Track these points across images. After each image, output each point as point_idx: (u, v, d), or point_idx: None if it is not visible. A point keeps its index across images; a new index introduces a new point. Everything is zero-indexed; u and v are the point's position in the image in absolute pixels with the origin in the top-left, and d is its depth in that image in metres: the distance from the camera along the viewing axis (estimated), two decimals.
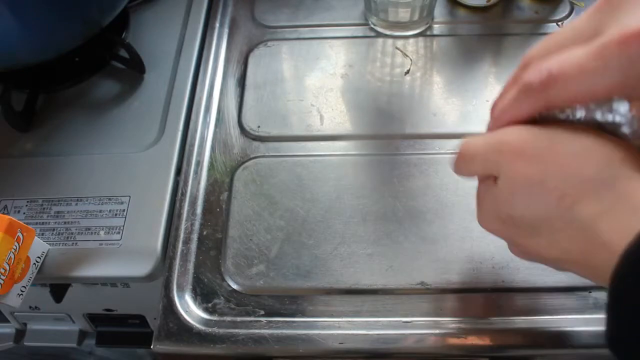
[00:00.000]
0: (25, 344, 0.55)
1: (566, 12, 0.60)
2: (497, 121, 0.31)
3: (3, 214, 0.43)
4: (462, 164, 0.33)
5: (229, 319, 0.43)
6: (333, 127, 0.53)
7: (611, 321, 0.24)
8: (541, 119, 0.30)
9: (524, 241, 0.30)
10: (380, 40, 0.60)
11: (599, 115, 0.28)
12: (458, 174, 0.34)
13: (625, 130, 0.27)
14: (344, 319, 0.42)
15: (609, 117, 0.27)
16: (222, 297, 0.44)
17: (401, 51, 0.59)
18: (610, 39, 0.25)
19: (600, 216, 0.25)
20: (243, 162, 0.51)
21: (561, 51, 0.27)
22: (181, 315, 0.43)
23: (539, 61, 0.28)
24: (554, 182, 0.26)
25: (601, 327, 0.40)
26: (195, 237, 0.47)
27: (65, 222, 0.48)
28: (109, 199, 0.49)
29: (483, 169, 0.32)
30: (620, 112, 0.27)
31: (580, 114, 0.28)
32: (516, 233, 0.31)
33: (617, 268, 0.23)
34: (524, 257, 0.34)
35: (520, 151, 0.28)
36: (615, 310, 0.24)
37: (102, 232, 0.47)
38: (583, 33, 0.27)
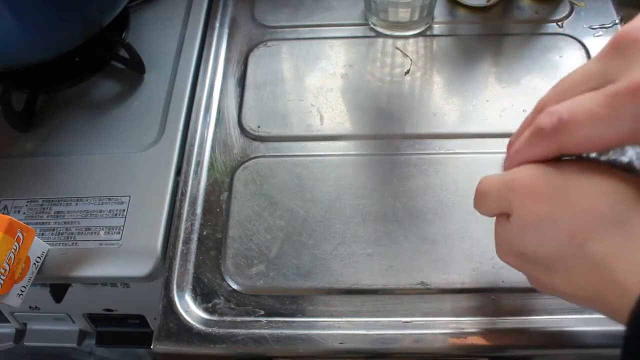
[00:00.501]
0: (25, 344, 0.55)
1: (566, 12, 0.60)
2: (512, 160, 0.32)
3: (3, 214, 0.43)
4: (479, 201, 0.35)
5: (229, 319, 0.43)
6: (333, 127, 0.53)
7: None
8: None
9: (539, 275, 0.31)
10: (380, 40, 0.60)
11: (610, 155, 0.28)
12: (477, 211, 0.36)
13: (638, 166, 0.28)
14: (344, 319, 0.42)
15: (621, 158, 0.28)
16: (222, 297, 0.44)
17: (401, 51, 0.59)
18: (621, 88, 0.25)
19: (612, 254, 0.25)
20: (243, 162, 0.51)
21: (573, 96, 0.28)
22: (181, 315, 0.43)
23: (552, 105, 0.28)
24: (565, 219, 0.27)
25: (601, 327, 0.40)
26: (195, 237, 0.47)
27: (65, 222, 0.48)
28: (109, 199, 0.49)
29: (497, 206, 0.32)
30: (631, 154, 0.28)
31: (593, 153, 0.29)
32: (530, 268, 0.31)
33: (634, 312, 0.24)
34: (542, 290, 0.34)
35: (532, 189, 0.29)
36: (630, 354, 0.24)
37: (102, 232, 0.47)
38: (593, 78, 0.27)
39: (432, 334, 0.41)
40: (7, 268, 0.41)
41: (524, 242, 0.30)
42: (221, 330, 0.42)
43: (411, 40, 0.59)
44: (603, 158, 0.29)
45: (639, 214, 0.25)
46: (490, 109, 0.53)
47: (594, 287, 0.27)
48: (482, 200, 0.34)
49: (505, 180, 0.31)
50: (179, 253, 0.46)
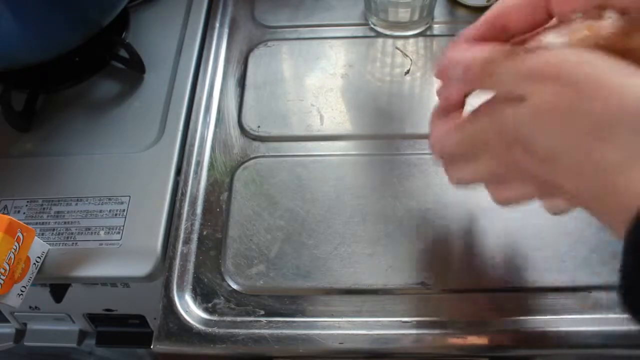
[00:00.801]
0: (25, 344, 0.55)
1: None
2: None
3: (3, 214, 0.43)
4: (477, 78, 0.30)
5: (229, 319, 0.43)
6: (333, 127, 0.53)
7: (625, 273, 0.24)
8: None
9: (534, 167, 0.29)
10: (380, 40, 0.60)
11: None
12: (440, 77, 0.33)
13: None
14: (344, 319, 0.42)
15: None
16: (222, 297, 0.44)
17: (401, 51, 0.59)
18: None
19: (626, 161, 0.24)
20: (243, 162, 0.51)
21: None
22: (181, 315, 0.43)
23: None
24: (593, 112, 0.25)
25: (601, 327, 0.40)
26: (195, 237, 0.47)
27: (65, 222, 0.48)
28: (109, 199, 0.49)
29: (506, 89, 0.29)
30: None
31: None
32: (525, 159, 0.29)
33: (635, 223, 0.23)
34: (503, 201, 0.33)
35: (557, 75, 0.26)
36: (630, 262, 0.24)
37: (102, 232, 0.47)
38: None
39: (432, 334, 0.41)
40: (7, 268, 0.41)
41: (538, 131, 0.27)
42: (221, 330, 0.42)
43: (411, 40, 0.59)
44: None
45: None
46: None
47: (594, 186, 0.26)
48: (485, 78, 0.29)
49: (526, 64, 0.27)
50: (179, 253, 0.46)
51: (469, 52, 0.30)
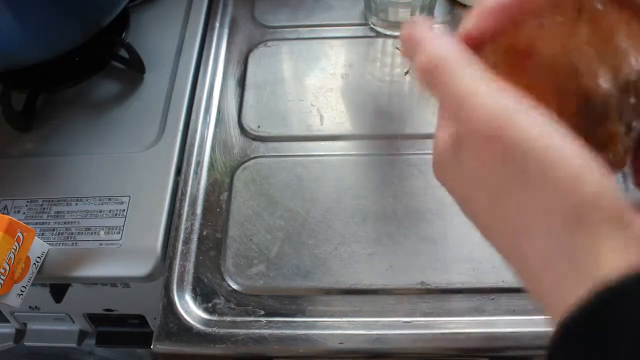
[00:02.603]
0: (25, 344, 0.55)
1: None
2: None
3: (3, 214, 0.43)
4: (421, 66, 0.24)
5: (229, 319, 0.43)
6: (333, 127, 0.53)
7: None
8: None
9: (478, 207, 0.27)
10: (380, 40, 0.60)
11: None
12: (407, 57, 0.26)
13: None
14: (344, 319, 0.42)
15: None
16: (222, 297, 0.44)
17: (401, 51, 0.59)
18: None
19: (545, 263, 0.21)
20: (243, 162, 0.51)
21: None
22: (181, 315, 0.43)
23: None
24: (516, 203, 0.22)
25: None
26: (195, 237, 0.47)
27: (65, 222, 0.48)
28: (109, 199, 0.49)
29: (446, 110, 0.25)
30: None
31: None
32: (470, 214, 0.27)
33: (555, 339, 0.20)
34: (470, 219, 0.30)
35: (487, 139, 0.21)
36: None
37: (102, 232, 0.47)
38: None
39: (432, 334, 0.41)
40: (7, 268, 0.41)
41: (466, 189, 0.25)
42: (221, 330, 0.42)
43: None
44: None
45: (594, 222, 0.19)
46: None
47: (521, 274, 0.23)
48: (429, 76, 0.24)
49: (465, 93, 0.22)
50: (179, 253, 0.46)
51: (432, 35, 0.24)
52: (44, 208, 0.49)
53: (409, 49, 0.25)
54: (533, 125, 0.20)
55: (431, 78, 0.23)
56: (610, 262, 0.19)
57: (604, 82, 0.22)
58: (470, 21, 0.25)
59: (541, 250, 0.21)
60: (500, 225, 0.23)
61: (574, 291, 0.19)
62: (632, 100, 0.22)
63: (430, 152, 0.51)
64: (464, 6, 0.61)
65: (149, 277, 0.45)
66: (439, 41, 0.23)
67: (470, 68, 0.22)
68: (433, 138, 0.28)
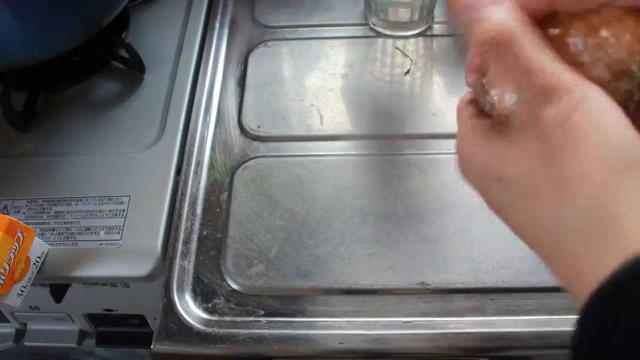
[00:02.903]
0: (25, 344, 0.55)
1: None
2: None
3: (3, 214, 0.43)
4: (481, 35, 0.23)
5: (229, 319, 0.43)
6: (333, 127, 0.53)
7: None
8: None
9: (496, 206, 0.27)
10: (380, 40, 0.60)
11: None
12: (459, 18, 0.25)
13: None
14: (344, 319, 0.42)
15: None
16: (222, 297, 0.44)
17: (401, 51, 0.59)
18: None
19: (582, 229, 0.21)
20: (243, 162, 0.51)
21: None
22: (181, 315, 0.43)
23: None
24: (561, 165, 0.22)
25: None
26: (195, 237, 0.47)
27: (65, 222, 0.48)
28: (109, 199, 0.49)
29: (508, 87, 0.24)
30: None
31: None
32: (491, 196, 0.27)
33: (587, 307, 0.21)
34: (500, 216, 0.29)
35: (566, 116, 0.21)
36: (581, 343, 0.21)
37: (102, 232, 0.47)
38: None
39: (432, 334, 0.41)
40: (7, 268, 0.41)
41: (507, 168, 0.24)
42: (221, 330, 0.42)
43: (411, 40, 0.59)
44: None
45: (629, 188, 0.20)
46: None
47: (549, 256, 0.24)
48: (491, 47, 0.23)
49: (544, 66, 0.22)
50: (179, 253, 0.46)
51: (489, 7, 0.23)
52: (44, 208, 0.49)
53: (464, 14, 0.24)
54: (596, 98, 0.21)
55: (497, 48, 0.23)
56: None
57: None
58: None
59: (578, 215, 0.21)
60: (542, 188, 0.23)
61: (612, 257, 0.20)
62: None
63: (430, 152, 0.51)
64: None
65: (149, 277, 0.45)
66: (504, 9, 0.23)
67: (537, 43, 0.22)
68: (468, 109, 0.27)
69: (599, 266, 0.20)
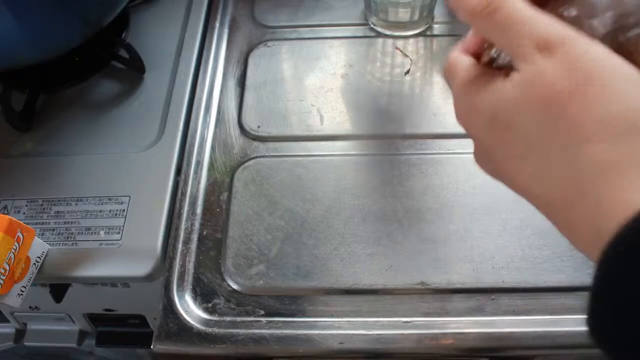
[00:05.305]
0: (25, 344, 0.55)
1: None
2: None
3: (3, 214, 0.43)
4: (491, 28, 0.24)
5: (229, 319, 0.43)
6: (333, 127, 0.53)
7: (596, 309, 0.21)
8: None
9: (504, 158, 0.25)
10: (380, 40, 0.60)
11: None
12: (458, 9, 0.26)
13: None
14: (344, 319, 0.42)
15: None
16: (222, 297, 0.44)
17: (401, 51, 0.59)
18: None
19: (608, 166, 0.21)
20: (243, 162, 0.51)
21: None
22: (181, 315, 0.43)
23: None
24: (576, 109, 0.22)
25: None
26: (195, 237, 0.47)
27: (65, 222, 0.48)
28: (109, 199, 0.49)
29: (507, 49, 0.24)
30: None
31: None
32: (501, 145, 0.25)
33: (612, 246, 0.20)
34: (491, 173, 0.28)
35: (565, 60, 0.22)
36: (601, 299, 0.21)
37: (102, 232, 0.47)
38: None
39: (432, 334, 0.41)
40: (7, 268, 0.41)
41: (518, 114, 0.24)
42: (221, 330, 0.42)
43: (411, 40, 0.59)
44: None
45: None
46: None
47: (564, 198, 0.22)
48: (498, 30, 0.24)
49: (536, 25, 0.23)
50: (179, 253, 0.46)
51: None
52: (44, 208, 0.49)
53: None
54: (595, 44, 0.22)
55: (489, 8, 0.24)
56: None
57: None
58: None
59: (603, 153, 0.21)
60: (553, 133, 0.23)
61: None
62: None
63: (430, 152, 0.52)
64: None
65: (149, 277, 0.45)
66: None
67: (527, 5, 0.23)
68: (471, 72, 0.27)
69: (627, 201, 0.20)
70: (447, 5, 0.26)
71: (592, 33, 0.23)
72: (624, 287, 0.20)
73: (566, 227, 0.23)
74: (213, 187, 0.50)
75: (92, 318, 0.54)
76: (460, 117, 0.27)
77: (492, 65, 0.27)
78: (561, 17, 0.24)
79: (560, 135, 0.22)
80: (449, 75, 0.28)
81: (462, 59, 0.28)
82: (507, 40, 0.24)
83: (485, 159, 0.28)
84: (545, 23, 0.23)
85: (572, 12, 0.24)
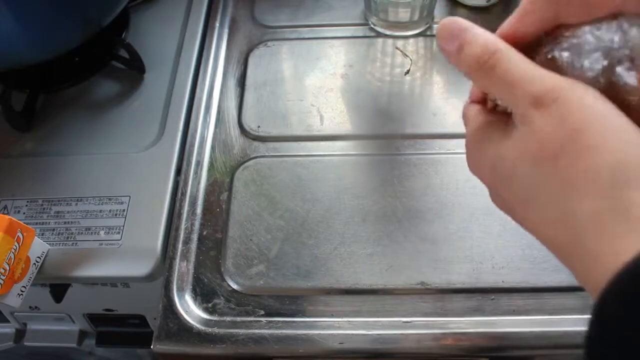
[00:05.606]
0: (25, 344, 0.55)
1: None
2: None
3: (3, 214, 0.43)
4: (478, 73, 0.26)
5: (229, 319, 0.43)
6: (333, 127, 0.53)
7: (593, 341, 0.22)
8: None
9: (512, 202, 0.27)
10: (380, 40, 0.60)
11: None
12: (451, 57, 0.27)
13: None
14: (344, 319, 0.42)
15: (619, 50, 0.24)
16: (222, 297, 0.44)
17: (401, 51, 0.59)
18: None
19: (597, 219, 0.22)
20: (243, 162, 0.51)
21: None
22: (181, 315, 0.43)
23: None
24: (566, 164, 0.23)
25: None
26: (195, 237, 0.47)
27: (65, 222, 0.48)
28: (109, 199, 0.49)
29: (501, 98, 0.26)
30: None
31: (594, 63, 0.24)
32: (507, 192, 0.27)
33: (606, 291, 0.21)
34: (504, 212, 0.29)
35: (557, 115, 0.23)
36: (598, 333, 0.21)
37: (102, 232, 0.47)
38: None
39: (432, 334, 0.41)
40: (7, 268, 0.41)
41: (514, 166, 0.25)
42: (221, 330, 0.42)
43: (411, 40, 0.59)
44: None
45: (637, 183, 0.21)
46: None
47: (565, 242, 0.24)
48: (496, 87, 0.25)
49: (529, 79, 0.24)
50: (179, 253, 0.46)
51: (473, 31, 0.26)
52: (44, 208, 0.49)
53: (452, 40, 0.26)
54: (586, 94, 0.23)
55: (486, 66, 0.25)
56: None
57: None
58: (509, 23, 0.27)
59: (591, 206, 0.22)
60: (548, 186, 0.24)
61: (630, 243, 0.20)
62: None
63: (430, 152, 0.51)
64: (464, 6, 0.61)
65: (149, 277, 0.45)
66: (488, 34, 0.25)
67: (522, 58, 0.24)
68: (470, 124, 0.29)
69: (615, 254, 0.21)
70: (443, 54, 0.28)
71: (582, 74, 0.24)
72: (614, 335, 0.20)
73: (572, 270, 0.24)
74: (213, 187, 0.50)
75: (92, 318, 0.54)
76: (470, 164, 0.29)
77: (496, 109, 0.28)
78: (552, 59, 0.25)
79: (554, 189, 0.23)
80: (464, 123, 0.30)
81: (470, 108, 0.29)
82: (506, 98, 0.25)
83: (497, 200, 0.29)
84: (540, 78, 0.24)
85: (564, 54, 0.25)
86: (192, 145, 0.53)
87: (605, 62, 0.24)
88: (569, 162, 0.23)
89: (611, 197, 0.22)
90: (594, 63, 0.24)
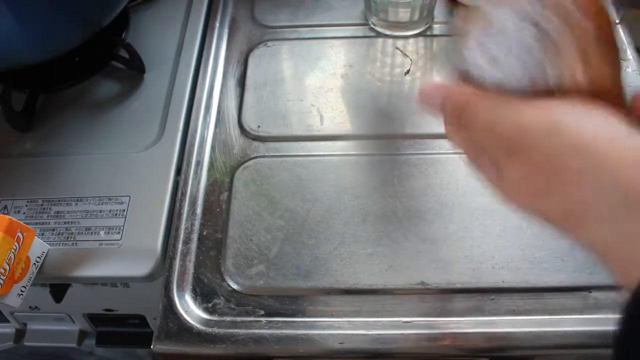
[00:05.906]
0: (25, 344, 0.55)
1: None
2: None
3: (3, 214, 0.43)
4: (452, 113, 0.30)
5: (229, 319, 0.43)
6: (333, 127, 0.53)
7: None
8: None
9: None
10: (380, 40, 0.60)
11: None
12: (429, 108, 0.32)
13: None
14: (344, 319, 0.42)
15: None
16: (222, 297, 0.44)
17: (401, 51, 0.59)
18: None
19: (612, 244, 0.23)
20: (243, 162, 0.51)
21: None
22: (181, 315, 0.43)
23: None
24: (559, 196, 0.24)
25: (601, 327, 0.40)
26: (195, 237, 0.47)
27: (65, 222, 0.48)
28: (109, 199, 0.49)
29: (482, 144, 0.28)
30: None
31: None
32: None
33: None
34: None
35: (527, 163, 0.25)
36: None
37: (102, 232, 0.47)
38: None
39: (432, 334, 0.41)
40: (7, 268, 0.41)
41: (515, 199, 0.27)
42: (221, 330, 0.42)
43: (411, 40, 0.59)
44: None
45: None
46: None
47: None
48: (472, 146, 0.29)
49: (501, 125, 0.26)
50: (179, 253, 0.46)
51: (449, 87, 0.30)
52: (44, 208, 0.49)
53: (432, 101, 0.32)
54: (581, 116, 0.24)
55: (459, 119, 0.29)
56: None
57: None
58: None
59: (604, 234, 0.23)
60: (559, 214, 0.25)
61: None
62: None
63: (430, 152, 0.51)
64: (464, 6, 0.61)
65: (149, 277, 0.45)
66: (457, 91, 0.30)
67: (486, 101, 0.28)
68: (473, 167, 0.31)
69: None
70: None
71: (519, 95, 0.26)
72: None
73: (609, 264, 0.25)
74: (213, 187, 0.50)
75: (92, 318, 0.54)
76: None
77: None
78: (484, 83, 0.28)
79: (557, 220, 0.26)
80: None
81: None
82: (483, 152, 0.28)
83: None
84: (508, 124, 0.26)
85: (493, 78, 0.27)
86: (192, 145, 0.53)
87: (532, 86, 0.26)
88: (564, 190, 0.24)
89: (623, 224, 0.22)
90: (522, 86, 0.27)
